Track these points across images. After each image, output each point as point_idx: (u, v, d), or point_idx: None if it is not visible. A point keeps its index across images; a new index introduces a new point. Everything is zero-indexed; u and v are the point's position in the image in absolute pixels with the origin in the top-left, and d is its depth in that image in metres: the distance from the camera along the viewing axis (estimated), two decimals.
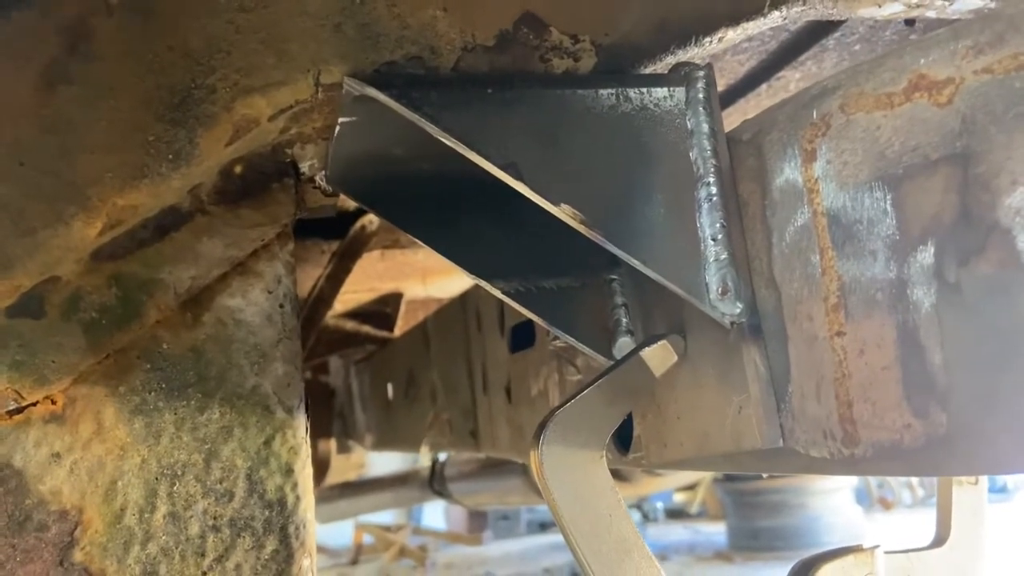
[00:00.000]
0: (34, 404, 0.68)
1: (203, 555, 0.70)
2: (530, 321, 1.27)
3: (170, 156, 0.65)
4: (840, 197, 0.61)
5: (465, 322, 1.72)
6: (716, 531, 7.38)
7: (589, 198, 0.67)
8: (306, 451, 0.75)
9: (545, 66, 0.72)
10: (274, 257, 0.76)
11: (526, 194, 0.66)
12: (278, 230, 0.75)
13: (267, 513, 0.72)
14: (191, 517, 0.70)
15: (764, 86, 1.29)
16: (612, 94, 0.69)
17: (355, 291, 2.67)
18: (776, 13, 0.82)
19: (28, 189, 0.63)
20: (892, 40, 1.20)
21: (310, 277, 1.95)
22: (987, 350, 0.52)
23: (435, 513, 9.48)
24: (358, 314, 3.16)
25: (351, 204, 1.80)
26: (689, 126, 0.70)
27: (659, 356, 0.75)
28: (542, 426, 0.72)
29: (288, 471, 0.74)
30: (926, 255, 0.56)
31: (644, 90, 0.70)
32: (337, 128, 0.72)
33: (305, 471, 0.75)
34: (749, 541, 6.32)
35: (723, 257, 0.68)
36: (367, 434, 3.11)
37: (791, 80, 1.31)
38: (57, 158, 0.64)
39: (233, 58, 0.66)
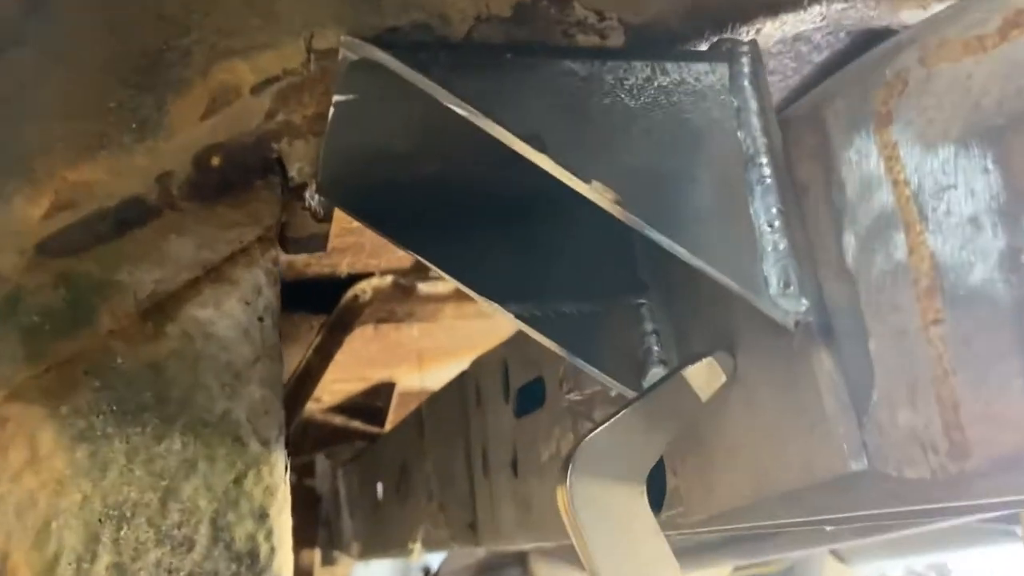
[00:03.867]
0: None
1: None
2: (537, 379, 1.16)
3: (134, 125, 0.55)
4: (926, 161, 0.52)
5: (463, 400, 1.61)
6: None
7: (624, 176, 0.57)
8: (284, 493, 0.63)
9: (569, 41, 0.64)
10: (254, 263, 0.65)
11: (551, 170, 0.57)
12: (259, 232, 0.65)
13: (234, 567, 0.59)
14: (140, 570, 0.57)
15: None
16: (647, 65, 0.61)
17: (345, 379, 2.54)
18: (816, 8, 0.75)
19: None
20: None
21: (298, 355, 1.83)
22: None
23: None
24: (347, 408, 3.03)
25: (343, 270, 1.71)
26: (735, 103, 0.62)
27: (705, 376, 0.64)
28: (569, 456, 0.60)
29: (262, 516, 0.61)
30: None
31: (683, 64, 0.62)
32: (331, 111, 0.63)
33: (282, 517, 0.62)
34: None
35: (782, 246, 0.58)
36: (354, 542, 2.93)
37: None
38: (2, 128, 0.55)
39: (212, 18, 0.57)
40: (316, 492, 3.39)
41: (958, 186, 0.50)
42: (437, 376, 2.62)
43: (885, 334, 0.53)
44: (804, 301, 0.57)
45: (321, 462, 3.28)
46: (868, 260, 0.55)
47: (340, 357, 1.82)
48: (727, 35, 0.71)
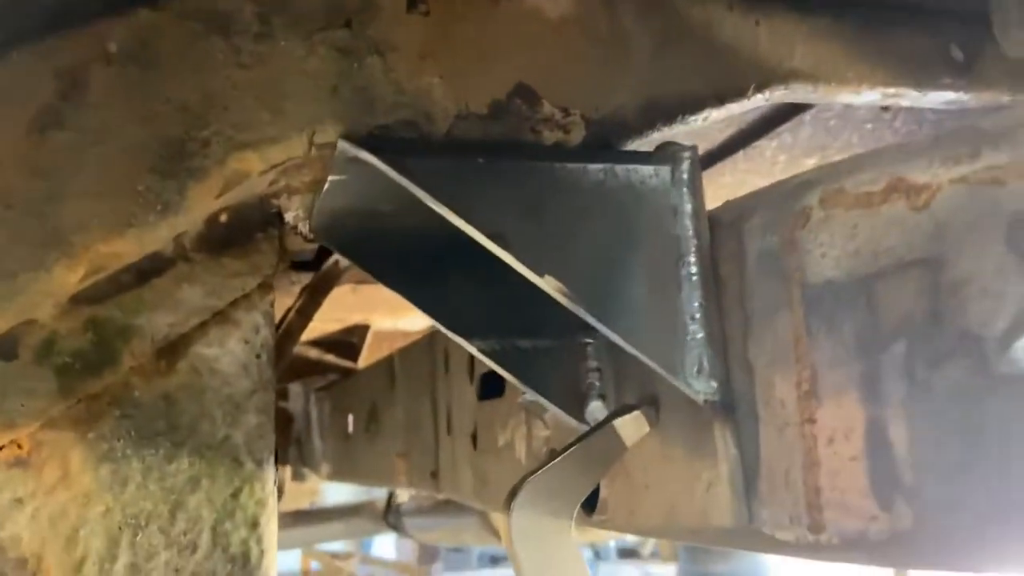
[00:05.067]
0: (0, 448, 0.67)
1: None
2: None
3: (159, 207, 0.65)
4: (816, 288, 0.63)
5: (433, 362, 1.72)
6: (667, 573, 7.38)
7: (573, 271, 0.68)
8: (273, 504, 0.75)
9: (536, 137, 0.74)
10: (253, 307, 0.75)
11: (512, 265, 0.67)
12: (259, 280, 0.75)
13: (230, 567, 0.72)
14: (153, 570, 0.69)
15: (741, 153, 1.32)
16: (600, 170, 0.70)
17: (322, 320, 2.65)
18: (759, 96, 0.85)
19: (12, 233, 0.62)
20: (866, 118, 1.24)
21: (279, 308, 1.93)
22: (953, 451, 0.54)
23: (385, 543, 9.35)
24: (322, 342, 3.13)
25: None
26: (673, 205, 0.72)
27: (631, 426, 0.76)
28: (514, 492, 0.72)
29: (254, 524, 0.73)
30: (897, 353, 0.57)
31: (631, 167, 0.72)
32: (326, 186, 0.72)
33: (271, 525, 0.74)
34: None
35: (700, 336, 0.69)
36: (324, 463, 3.07)
37: (767, 148, 1.34)
38: (43, 203, 0.64)
39: (229, 113, 0.66)
40: (288, 412, 3.53)
41: (837, 314, 0.62)
42: (412, 321, 2.74)
43: (772, 422, 0.66)
44: (713, 384, 0.69)
45: (294, 387, 3.40)
46: (765, 359, 0.67)
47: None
48: (677, 124, 0.81)
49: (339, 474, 2.86)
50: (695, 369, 0.69)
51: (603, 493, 0.91)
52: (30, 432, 0.68)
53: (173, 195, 0.65)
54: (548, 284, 0.67)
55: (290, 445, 3.45)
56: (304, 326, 1.79)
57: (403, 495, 3.60)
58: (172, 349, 0.72)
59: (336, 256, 1.79)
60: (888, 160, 0.61)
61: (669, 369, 0.69)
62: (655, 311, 0.70)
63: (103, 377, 0.68)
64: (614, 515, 0.87)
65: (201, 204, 0.67)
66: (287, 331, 1.76)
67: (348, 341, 3.11)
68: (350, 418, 2.58)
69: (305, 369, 3.20)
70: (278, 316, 1.86)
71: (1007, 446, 0.52)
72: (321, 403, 3.03)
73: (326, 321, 2.70)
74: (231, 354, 0.74)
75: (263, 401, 0.75)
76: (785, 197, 0.66)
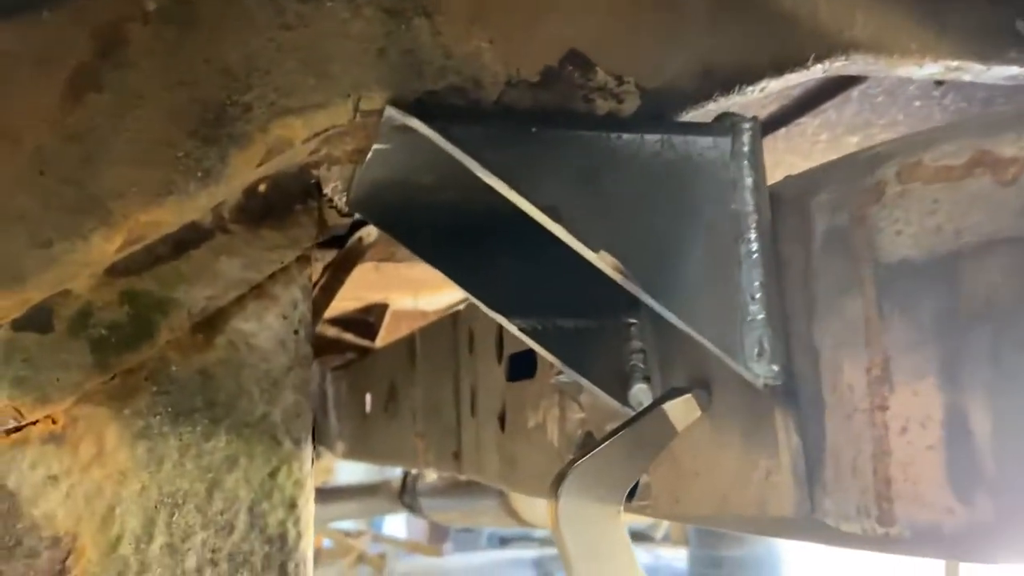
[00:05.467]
0: (34, 423, 0.64)
1: None
2: (530, 351, 1.25)
3: (199, 174, 0.62)
4: (891, 267, 0.60)
5: (456, 342, 1.70)
6: (677, 557, 7.38)
7: (629, 246, 0.65)
8: (311, 485, 0.72)
9: (588, 106, 0.70)
10: (292, 281, 0.73)
11: (564, 238, 0.64)
12: (298, 253, 0.72)
13: (267, 548, 0.69)
14: (189, 550, 0.67)
15: (783, 130, 1.28)
16: (657, 141, 0.67)
17: (341, 298, 2.63)
18: (819, 66, 0.81)
19: (47, 200, 0.60)
20: (914, 95, 1.20)
21: None
22: None
23: (396, 521, 9.40)
24: (340, 321, 3.11)
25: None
26: (733, 178, 0.69)
27: (682, 410, 0.73)
28: (560, 477, 0.69)
29: (291, 506, 0.71)
30: (982, 336, 0.54)
31: (689, 138, 0.68)
32: (370, 154, 0.69)
33: (308, 506, 0.72)
34: (710, 569, 6.32)
35: (760, 317, 0.66)
36: (339, 442, 3.06)
37: (809, 126, 1.30)
38: (80, 169, 0.61)
39: (272, 77, 0.63)
40: None
41: (915, 295, 0.58)
42: (432, 300, 2.71)
43: (839, 409, 0.63)
44: (774, 367, 0.66)
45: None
46: (832, 343, 0.63)
47: None
48: (734, 94, 0.77)
49: (355, 453, 2.86)
50: (755, 352, 0.66)
51: (645, 478, 0.88)
52: (65, 407, 0.65)
53: (215, 162, 0.62)
54: (603, 260, 0.64)
55: None
56: (327, 304, 1.77)
57: (421, 475, 3.60)
58: (209, 324, 0.70)
59: (360, 233, 1.77)
60: (971, 132, 0.57)
61: (728, 351, 0.66)
62: (713, 290, 0.66)
63: (140, 351, 0.66)
64: (658, 501, 0.84)
65: (243, 172, 0.64)
66: (311, 308, 1.74)
67: (366, 320, 3.09)
68: (367, 397, 2.57)
69: (323, 347, 3.19)
70: None
71: None
72: (337, 382, 3.01)
73: (345, 299, 2.68)
74: (269, 329, 0.72)
75: (300, 378, 0.72)
76: (856, 171, 0.63)
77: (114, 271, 0.65)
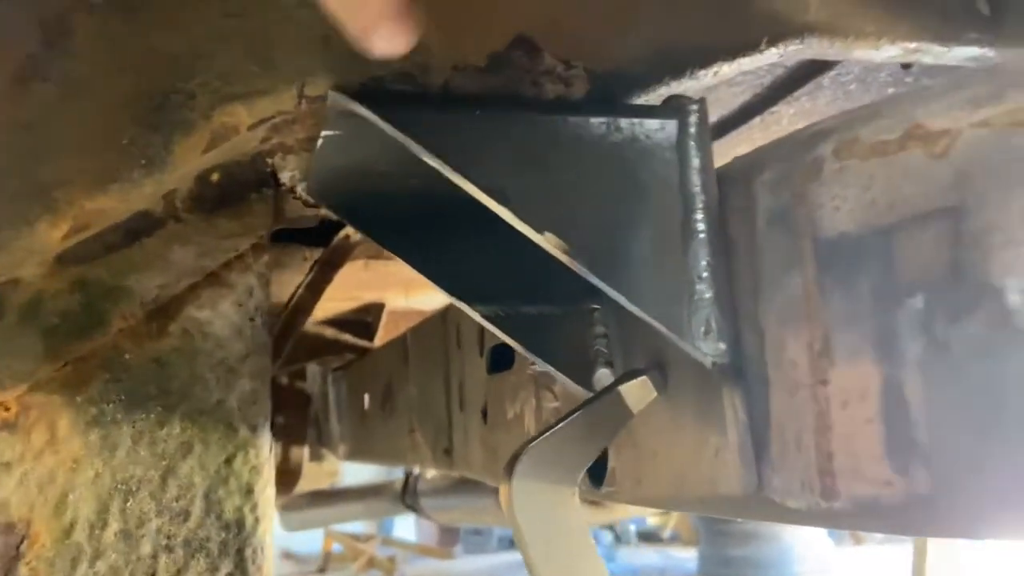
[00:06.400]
0: None
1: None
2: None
3: (143, 161, 0.63)
4: (830, 243, 0.60)
5: (445, 338, 1.70)
6: (687, 557, 7.36)
7: (574, 227, 0.65)
8: (268, 471, 0.73)
9: (536, 90, 0.71)
10: (247, 268, 0.73)
11: (510, 221, 0.65)
12: (253, 241, 0.73)
13: (224, 535, 0.70)
14: (143, 536, 0.68)
15: (757, 119, 1.28)
16: (603, 123, 0.68)
17: (336, 299, 2.64)
18: (773, 50, 0.81)
19: None
20: (887, 81, 1.20)
21: (291, 283, 1.92)
22: (973, 411, 0.51)
23: (406, 525, 9.40)
24: (338, 322, 3.12)
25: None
26: (680, 160, 0.69)
27: (638, 392, 0.73)
28: (514, 458, 0.70)
29: (248, 492, 0.71)
30: (915, 308, 0.54)
31: (636, 121, 0.69)
32: (319, 141, 0.70)
33: (266, 492, 0.72)
34: (720, 568, 6.30)
35: (708, 296, 0.66)
36: (341, 444, 3.07)
37: (784, 115, 1.30)
38: (26, 157, 0.62)
39: (216, 64, 0.64)
40: (307, 393, 3.53)
41: (852, 270, 0.58)
42: (424, 299, 2.72)
43: (783, 385, 0.63)
44: (721, 346, 0.66)
45: (312, 367, 3.40)
46: (776, 320, 0.64)
47: (333, 282, 1.90)
48: (686, 78, 0.77)
49: (356, 454, 2.86)
50: (702, 330, 0.66)
51: (611, 464, 0.88)
52: (17, 395, 0.66)
53: (158, 149, 0.63)
54: (548, 241, 0.64)
55: (309, 426, 3.46)
56: (315, 301, 1.78)
57: (423, 475, 3.60)
58: (163, 312, 0.70)
59: (346, 230, 1.78)
60: (906, 106, 0.57)
61: (675, 330, 0.66)
62: (661, 270, 0.67)
63: (92, 339, 0.66)
64: (621, 485, 0.85)
65: (188, 159, 0.64)
66: (297, 306, 1.75)
67: (364, 320, 3.10)
68: (366, 397, 2.58)
69: (322, 349, 3.20)
70: (287, 290, 1.84)
71: None
72: (338, 383, 3.02)
73: (340, 300, 2.69)
74: (224, 317, 0.72)
75: (257, 366, 0.73)
76: (797, 149, 0.63)
77: (65, 260, 0.66)
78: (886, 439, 0.55)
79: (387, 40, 0.54)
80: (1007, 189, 0.51)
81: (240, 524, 0.70)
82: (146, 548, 0.68)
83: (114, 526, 0.67)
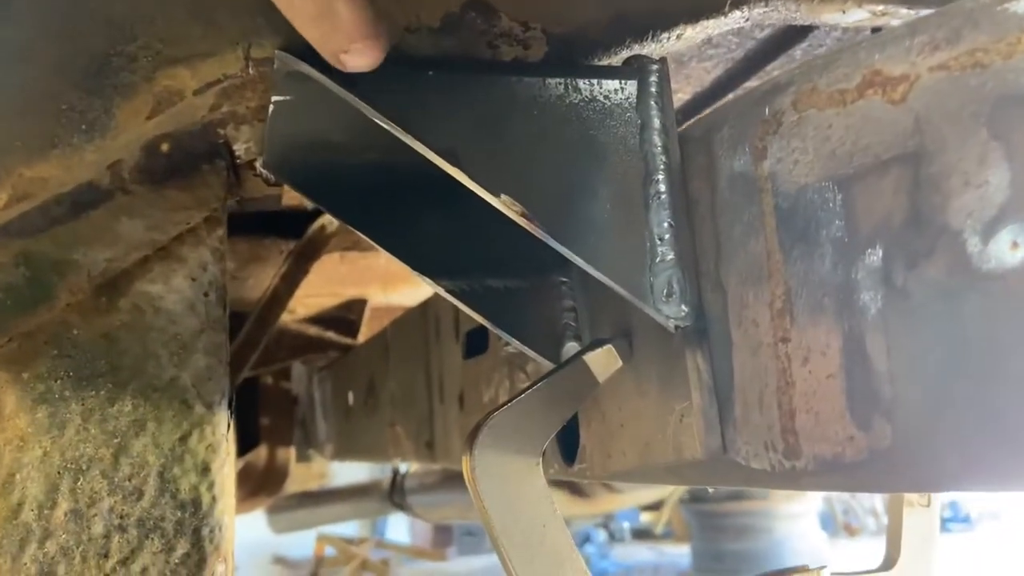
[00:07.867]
0: None
1: (107, 556, 0.65)
2: (484, 327, 1.24)
3: (83, 127, 0.61)
4: (790, 197, 0.59)
5: (425, 330, 1.69)
6: (681, 553, 7.35)
7: (531, 190, 0.63)
8: (226, 449, 0.71)
9: (493, 52, 0.69)
10: (200, 242, 0.71)
11: (464, 183, 0.63)
12: (206, 214, 0.71)
13: (179, 514, 0.68)
14: (95, 515, 0.66)
15: (731, 95, 1.27)
16: (560, 83, 0.66)
17: (317, 295, 2.61)
18: (737, 13, 0.80)
19: None
20: None
21: (268, 277, 1.89)
22: (934, 360, 0.50)
23: (399, 527, 9.37)
24: (321, 319, 3.10)
25: (310, 202, 1.76)
26: (640, 121, 0.67)
27: (603, 361, 0.72)
28: (476, 429, 0.68)
29: (204, 470, 0.69)
30: (874, 258, 0.53)
31: (594, 81, 0.67)
32: (271, 108, 0.68)
33: (224, 470, 0.70)
34: (713, 564, 6.29)
35: (669, 257, 0.65)
36: (327, 443, 3.05)
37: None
38: None
39: (157, 26, 0.62)
40: (292, 394, 3.51)
41: (812, 223, 0.57)
42: (404, 294, 2.70)
43: (745, 344, 0.61)
44: (684, 308, 0.64)
45: (297, 367, 3.38)
46: (737, 277, 0.62)
47: (312, 277, 1.89)
48: (648, 41, 0.76)
49: (341, 453, 2.84)
50: (664, 293, 0.65)
51: (582, 440, 0.86)
52: None
53: (100, 114, 0.61)
54: (505, 204, 0.63)
55: (295, 427, 3.43)
56: (291, 293, 1.76)
57: (411, 472, 3.57)
58: (113, 286, 0.68)
59: (321, 220, 1.76)
60: (863, 53, 0.56)
61: (637, 294, 0.65)
62: (622, 232, 0.65)
63: (37, 314, 0.65)
64: (592, 461, 0.83)
65: (132, 125, 0.62)
66: (273, 298, 1.73)
67: (347, 318, 3.08)
68: (350, 395, 2.56)
69: (306, 347, 3.18)
70: (265, 285, 1.82)
71: (992, 351, 0.47)
72: (323, 383, 3.00)
73: (322, 296, 2.67)
74: (176, 292, 0.70)
75: (213, 341, 0.71)
76: (755, 104, 0.62)
77: (9, 232, 0.64)
78: (848, 394, 0.54)
79: (358, 58, 0.57)
80: (965, 130, 0.49)
81: (196, 503, 0.68)
82: (98, 528, 0.66)
83: (64, 506, 0.65)
